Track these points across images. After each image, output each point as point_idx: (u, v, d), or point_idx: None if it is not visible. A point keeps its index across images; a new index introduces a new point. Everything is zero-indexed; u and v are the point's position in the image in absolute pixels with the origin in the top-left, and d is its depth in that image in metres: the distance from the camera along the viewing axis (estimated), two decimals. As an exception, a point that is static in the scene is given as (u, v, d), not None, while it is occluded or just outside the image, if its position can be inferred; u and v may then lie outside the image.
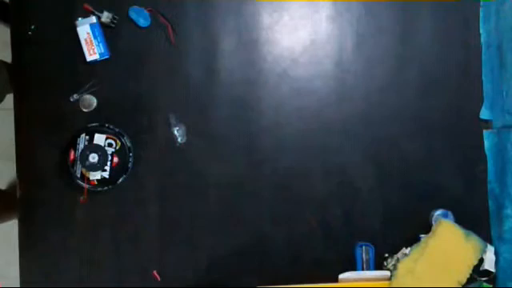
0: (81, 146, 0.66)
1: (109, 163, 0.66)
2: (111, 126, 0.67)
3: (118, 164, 0.67)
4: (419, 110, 0.70)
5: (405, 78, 0.70)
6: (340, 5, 0.70)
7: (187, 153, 0.70)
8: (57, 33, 0.70)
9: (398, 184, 0.70)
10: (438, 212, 0.68)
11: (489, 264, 0.65)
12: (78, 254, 0.70)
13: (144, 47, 0.70)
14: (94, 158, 0.65)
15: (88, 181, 0.66)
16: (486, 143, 0.69)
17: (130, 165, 0.68)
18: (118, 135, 0.67)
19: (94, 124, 0.67)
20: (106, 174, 0.66)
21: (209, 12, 0.70)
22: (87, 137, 0.66)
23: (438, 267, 0.64)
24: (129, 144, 0.68)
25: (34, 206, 0.69)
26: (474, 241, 0.64)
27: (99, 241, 0.70)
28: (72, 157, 0.66)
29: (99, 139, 0.66)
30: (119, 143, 0.67)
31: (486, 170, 0.69)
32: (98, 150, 0.65)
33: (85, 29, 0.67)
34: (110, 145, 0.66)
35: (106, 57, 0.68)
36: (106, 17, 0.68)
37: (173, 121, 0.70)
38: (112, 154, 0.66)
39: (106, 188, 0.67)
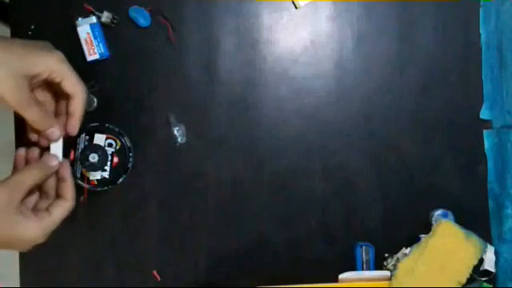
0: (81, 146, 0.66)
1: (109, 163, 0.66)
2: (111, 126, 0.67)
3: (117, 164, 0.67)
4: (419, 109, 0.70)
5: (405, 77, 0.70)
6: (340, 5, 0.70)
7: (187, 153, 0.70)
8: (57, 33, 0.70)
9: (398, 184, 0.70)
10: (438, 212, 0.68)
11: (489, 264, 0.65)
12: (77, 253, 0.70)
13: (144, 47, 0.70)
14: (94, 157, 0.65)
15: (88, 181, 0.66)
16: (486, 143, 0.69)
17: (129, 165, 0.68)
18: (118, 135, 0.67)
19: (94, 124, 0.67)
20: (106, 174, 0.66)
21: (209, 12, 0.70)
22: (87, 137, 0.66)
23: (438, 267, 0.64)
24: (129, 144, 0.68)
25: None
26: (474, 241, 0.64)
27: (99, 241, 0.70)
28: (72, 157, 0.66)
29: (99, 139, 0.66)
30: (119, 143, 0.67)
31: (486, 170, 0.69)
32: (98, 150, 0.65)
33: (85, 29, 0.68)
34: (110, 145, 0.67)
35: (107, 57, 0.69)
36: (105, 17, 0.68)
37: (173, 121, 0.70)
38: (112, 154, 0.66)
39: (105, 188, 0.67)
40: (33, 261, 0.70)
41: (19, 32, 0.70)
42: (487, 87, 0.69)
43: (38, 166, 0.56)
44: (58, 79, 0.56)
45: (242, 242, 0.70)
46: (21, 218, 0.53)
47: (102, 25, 0.68)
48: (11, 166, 0.70)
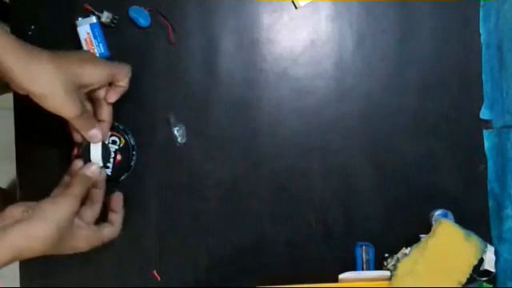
0: (84, 142, 0.65)
1: (112, 160, 0.66)
2: (116, 123, 0.67)
3: (120, 162, 0.67)
4: (419, 109, 0.70)
5: (405, 77, 0.70)
6: (340, 5, 0.70)
7: (187, 153, 0.70)
8: (57, 33, 0.70)
9: (398, 184, 0.70)
10: (438, 212, 0.68)
11: (489, 264, 0.65)
12: (77, 253, 0.69)
13: (144, 47, 0.70)
14: None
15: None
16: (486, 143, 0.69)
17: (132, 163, 0.68)
18: (122, 133, 0.67)
19: None
20: (108, 172, 0.66)
21: (209, 12, 0.70)
22: None
23: (438, 267, 0.64)
24: (133, 142, 0.68)
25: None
26: (474, 241, 0.64)
27: (99, 241, 0.70)
28: (76, 152, 0.66)
29: None
30: (123, 141, 0.67)
31: (486, 170, 0.69)
32: (102, 146, 0.65)
33: (85, 29, 0.68)
34: (113, 142, 0.67)
35: (106, 57, 0.68)
36: (106, 17, 0.68)
37: (173, 121, 0.70)
38: (115, 152, 0.66)
39: (107, 186, 0.67)
40: (33, 261, 0.70)
41: (19, 32, 0.70)
42: (487, 87, 0.69)
43: (82, 179, 0.61)
44: (103, 89, 0.62)
45: (242, 241, 0.70)
46: (77, 230, 0.57)
47: (102, 25, 0.69)
48: (12, 166, 0.70)
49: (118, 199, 0.65)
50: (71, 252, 0.59)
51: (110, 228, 0.62)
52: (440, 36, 0.70)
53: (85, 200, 0.61)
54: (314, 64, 0.70)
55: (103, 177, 0.64)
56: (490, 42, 0.69)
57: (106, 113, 0.64)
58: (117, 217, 0.64)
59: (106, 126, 0.64)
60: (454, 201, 0.69)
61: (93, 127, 0.62)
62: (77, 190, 0.59)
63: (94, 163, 0.64)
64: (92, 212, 0.60)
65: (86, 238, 0.59)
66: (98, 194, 0.62)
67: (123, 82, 0.62)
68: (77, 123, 0.60)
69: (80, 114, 0.58)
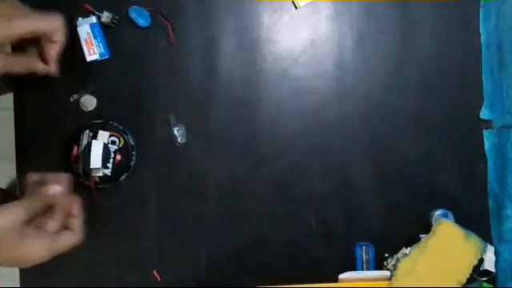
0: (84, 143, 0.66)
1: (111, 161, 0.66)
2: (115, 124, 0.67)
3: (120, 162, 0.67)
4: (419, 109, 0.70)
5: (405, 77, 0.70)
6: (340, 5, 0.70)
7: (187, 153, 0.70)
8: (57, 33, 0.70)
9: (398, 184, 0.70)
10: (438, 212, 0.68)
11: (489, 264, 0.65)
12: (77, 253, 0.69)
13: (144, 47, 0.70)
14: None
15: (90, 178, 0.66)
16: (486, 143, 0.69)
17: (132, 163, 0.68)
18: (121, 133, 0.67)
19: (98, 121, 0.67)
20: (107, 172, 0.66)
21: (209, 12, 0.70)
22: (91, 133, 0.66)
23: (438, 267, 0.64)
24: (132, 142, 0.68)
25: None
26: (474, 241, 0.65)
27: (99, 240, 0.70)
28: (75, 153, 0.66)
29: (103, 136, 0.66)
30: (123, 141, 0.67)
31: (486, 170, 0.69)
32: (102, 146, 0.65)
33: (85, 29, 0.68)
34: (113, 142, 0.67)
35: (106, 57, 0.69)
36: (106, 17, 0.68)
37: (173, 121, 0.70)
38: (115, 152, 0.67)
39: (107, 186, 0.67)
40: (33, 261, 0.70)
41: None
42: (487, 87, 0.69)
43: (39, 196, 0.60)
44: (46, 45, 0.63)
45: (242, 241, 0.70)
46: (30, 239, 0.55)
47: (102, 25, 0.69)
48: (12, 166, 0.70)
49: (75, 204, 0.61)
50: (27, 263, 0.56)
51: (70, 234, 0.59)
52: (440, 36, 0.70)
53: (45, 211, 0.59)
54: (313, 64, 0.70)
55: (77, 206, 0.61)
56: (490, 42, 0.69)
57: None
58: (76, 221, 0.61)
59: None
60: (454, 201, 0.69)
61: (37, 62, 0.64)
62: (28, 203, 0.57)
63: (56, 186, 0.61)
64: (53, 221, 0.58)
65: (41, 247, 0.55)
66: (77, 224, 0.61)
67: (57, 37, 0.62)
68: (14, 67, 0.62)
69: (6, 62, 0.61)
